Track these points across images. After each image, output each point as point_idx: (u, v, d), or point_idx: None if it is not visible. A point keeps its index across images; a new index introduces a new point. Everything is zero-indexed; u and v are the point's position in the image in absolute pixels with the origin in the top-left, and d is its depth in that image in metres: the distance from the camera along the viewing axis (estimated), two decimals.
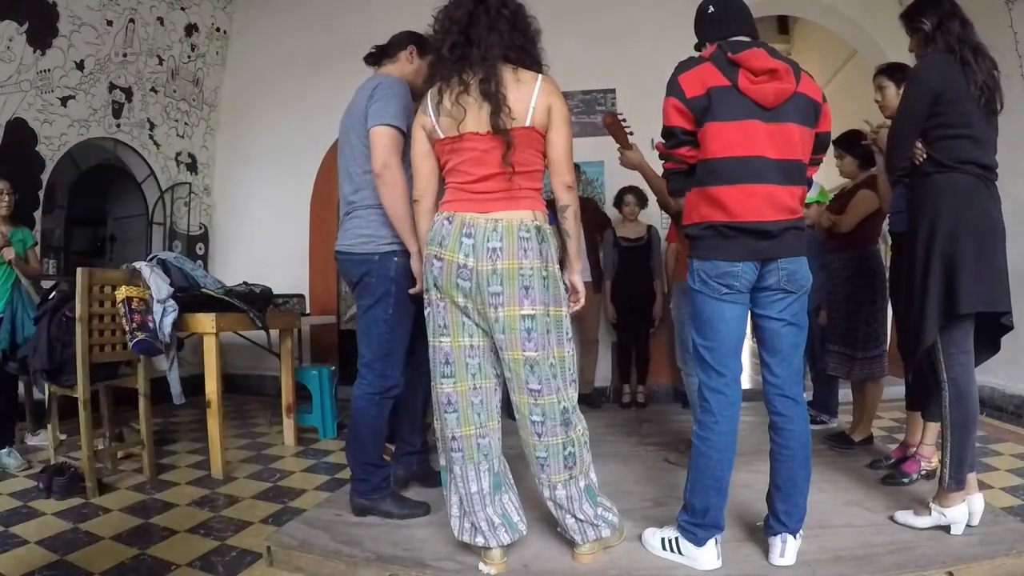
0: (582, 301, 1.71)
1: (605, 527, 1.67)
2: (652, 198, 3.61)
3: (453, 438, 1.63)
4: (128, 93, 4.22)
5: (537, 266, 1.53)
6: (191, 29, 4.65)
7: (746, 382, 3.72)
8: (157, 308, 2.55)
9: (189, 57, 4.68)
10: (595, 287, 3.82)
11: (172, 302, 2.60)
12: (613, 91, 4.32)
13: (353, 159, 1.97)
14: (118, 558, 1.81)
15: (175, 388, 2.62)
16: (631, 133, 2.27)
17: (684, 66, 1.60)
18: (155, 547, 1.89)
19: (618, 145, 2.28)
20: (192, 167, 4.82)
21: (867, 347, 2.65)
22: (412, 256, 1.89)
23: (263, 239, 4.80)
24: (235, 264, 4.79)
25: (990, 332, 1.81)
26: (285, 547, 1.79)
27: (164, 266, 2.76)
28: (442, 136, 1.59)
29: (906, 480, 2.17)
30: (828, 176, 3.52)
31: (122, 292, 2.48)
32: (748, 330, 1.94)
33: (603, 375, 4.12)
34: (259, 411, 4.03)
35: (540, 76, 1.57)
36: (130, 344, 2.45)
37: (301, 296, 4.01)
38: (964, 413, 1.72)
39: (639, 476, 2.42)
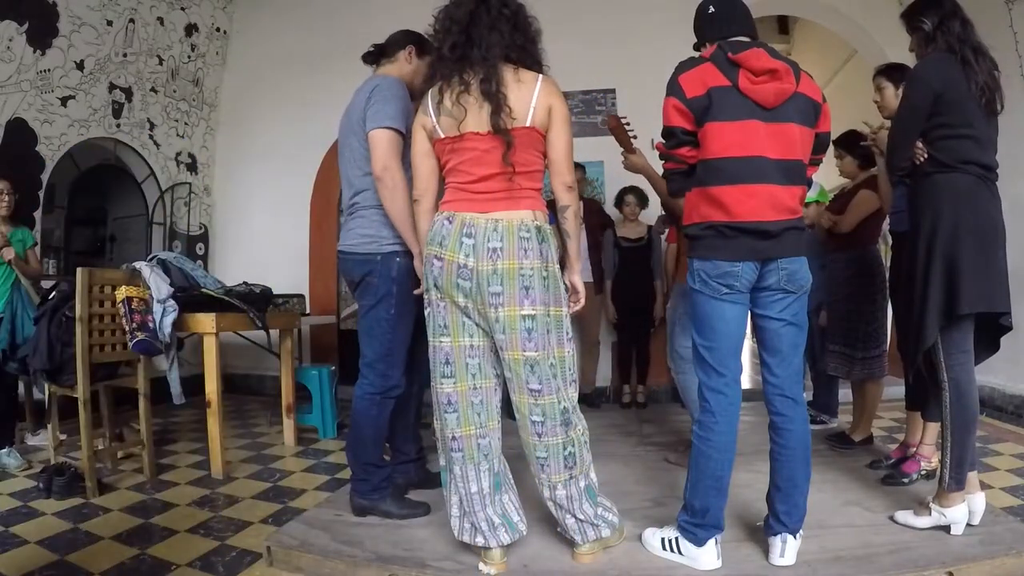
0: (582, 301, 1.71)
1: (605, 527, 1.67)
2: (653, 198, 3.62)
3: (453, 438, 1.63)
4: (128, 93, 4.22)
5: (537, 266, 1.53)
6: (191, 29, 4.64)
7: (746, 382, 3.72)
8: (157, 308, 2.55)
9: (189, 57, 4.68)
10: (596, 287, 3.82)
11: (172, 302, 2.60)
12: (613, 91, 4.32)
13: (353, 161, 1.96)
14: (118, 558, 1.81)
15: (175, 388, 2.62)
16: (635, 136, 2.26)
17: (684, 66, 1.60)
18: (155, 547, 1.89)
19: (621, 149, 2.28)
20: (192, 167, 4.82)
21: (867, 347, 2.65)
22: (415, 257, 1.89)
23: (263, 239, 4.79)
24: (235, 264, 4.79)
25: (989, 332, 1.81)
26: (285, 547, 1.79)
27: (164, 266, 2.76)
28: (442, 136, 1.59)
29: (906, 480, 2.18)
30: (828, 176, 3.52)
31: (122, 292, 2.48)
32: (748, 330, 1.94)
33: (603, 375, 4.12)
34: (259, 411, 4.03)
35: (541, 76, 1.57)
36: (130, 344, 2.45)
37: (301, 296, 4.01)
38: (964, 413, 1.72)
39: (639, 476, 2.42)
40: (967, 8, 1.80)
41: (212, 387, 2.62)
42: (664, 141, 1.66)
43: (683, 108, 1.57)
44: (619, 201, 3.91)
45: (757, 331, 1.68)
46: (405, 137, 1.83)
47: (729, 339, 1.61)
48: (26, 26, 3.47)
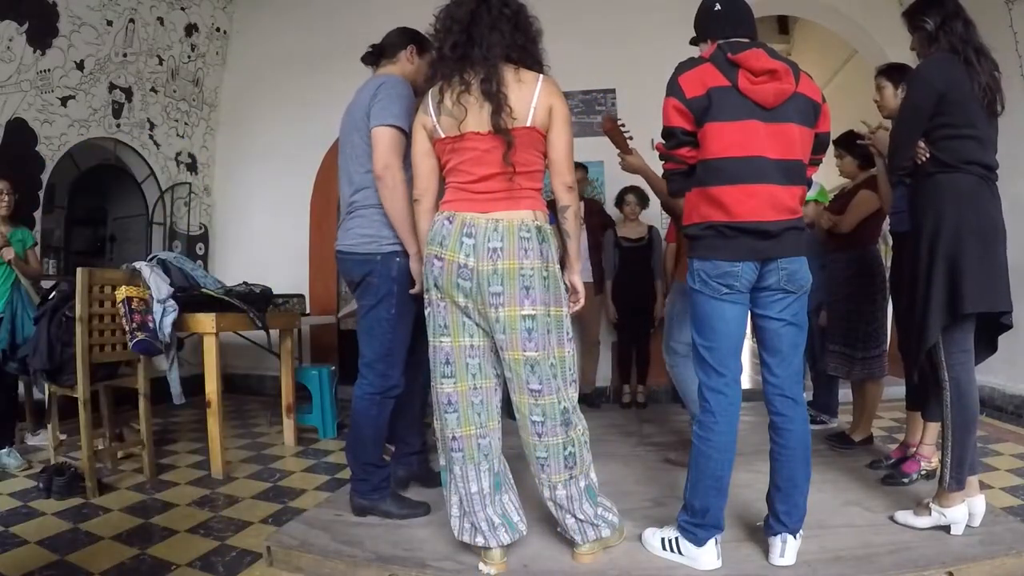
0: (582, 301, 1.71)
1: (605, 527, 1.67)
2: (653, 198, 3.61)
3: (453, 438, 1.63)
4: (128, 93, 4.22)
5: (538, 266, 1.53)
6: (191, 29, 4.64)
7: (746, 382, 3.72)
8: (157, 308, 2.55)
9: (189, 57, 4.68)
10: (596, 288, 3.82)
11: (172, 302, 2.60)
12: (613, 91, 4.32)
13: (355, 159, 1.96)
14: (118, 558, 1.81)
15: (175, 388, 2.62)
16: (631, 138, 2.26)
17: (684, 66, 1.60)
18: (155, 547, 1.89)
19: (618, 150, 2.28)
20: (192, 167, 4.82)
21: (867, 347, 2.65)
22: (412, 257, 1.89)
23: (263, 239, 4.80)
24: (235, 264, 4.79)
25: (989, 331, 1.82)
26: (285, 547, 1.79)
27: (164, 266, 2.76)
28: (443, 135, 1.59)
29: (906, 480, 2.18)
30: (828, 176, 3.52)
31: (122, 292, 2.48)
32: (748, 330, 1.94)
33: (603, 375, 4.12)
34: (259, 411, 4.03)
35: (541, 76, 1.57)
36: (130, 344, 2.45)
37: (301, 296, 4.01)
38: (965, 413, 1.72)
39: (639, 476, 2.42)
40: (967, 8, 1.80)
41: (212, 387, 2.62)
42: (664, 141, 1.66)
43: (683, 108, 1.57)
44: (619, 201, 3.91)
45: (757, 331, 1.68)
46: (408, 136, 1.83)
47: (729, 339, 1.61)
48: (26, 26, 3.47)
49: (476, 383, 1.63)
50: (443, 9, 1.60)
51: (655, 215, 4.00)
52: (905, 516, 1.83)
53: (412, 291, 1.91)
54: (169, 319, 2.56)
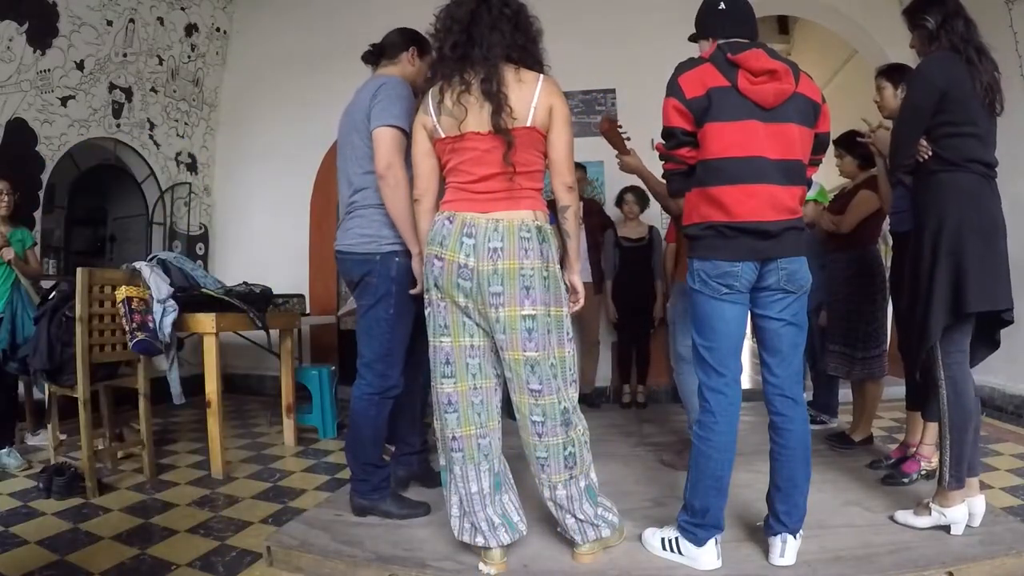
0: (582, 301, 1.71)
1: (605, 527, 1.67)
2: (653, 198, 3.61)
3: (453, 438, 1.63)
4: (128, 93, 4.22)
5: (538, 266, 1.53)
6: (191, 29, 4.64)
7: (746, 382, 3.71)
8: (157, 308, 2.55)
9: (189, 57, 4.68)
10: (596, 288, 3.82)
11: (172, 302, 2.60)
12: (613, 91, 4.32)
13: (354, 159, 1.96)
14: (118, 558, 1.81)
15: (175, 388, 2.62)
16: (628, 139, 2.26)
17: (684, 67, 1.60)
18: (155, 547, 1.89)
19: (615, 151, 2.28)
20: (192, 167, 4.82)
21: (867, 347, 2.65)
22: (413, 257, 1.89)
23: (263, 239, 4.80)
24: (235, 264, 4.79)
25: (990, 328, 1.81)
26: (285, 547, 1.79)
27: (164, 266, 2.76)
28: (443, 135, 1.59)
29: (906, 480, 2.18)
30: (828, 176, 3.52)
31: (122, 292, 2.48)
32: (748, 330, 1.94)
33: (603, 375, 4.12)
34: (259, 411, 4.03)
35: (542, 76, 1.57)
36: (130, 344, 2.45)
37: (301, 296, 4.01)
38: (962, 411, 1.72)
39: (639, 476, 2.42)
40: (967, 8, 1.80)
41: (212, 387, 2.62)
42: (664, 142, 1.66)
43: (683, 109, 1.57)
44: (619, 201, 3.91)
45: (757, 331, 1.68)
46: (408, 137, 1.83)
47: (729, 339, 1.61)
48: (26, 26, 3.47)
49: (476, 383, 1.63)
50: (443, 9, 1.60)
51: (655, 215, 4.00)
52: (905, 516, 1.83)
53: (413, 291, 1.92)
54: (169, 319, 2.56)
